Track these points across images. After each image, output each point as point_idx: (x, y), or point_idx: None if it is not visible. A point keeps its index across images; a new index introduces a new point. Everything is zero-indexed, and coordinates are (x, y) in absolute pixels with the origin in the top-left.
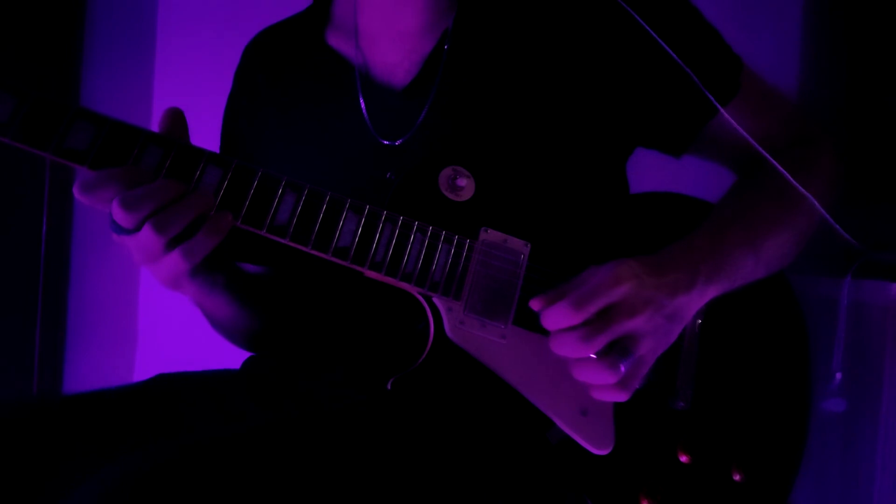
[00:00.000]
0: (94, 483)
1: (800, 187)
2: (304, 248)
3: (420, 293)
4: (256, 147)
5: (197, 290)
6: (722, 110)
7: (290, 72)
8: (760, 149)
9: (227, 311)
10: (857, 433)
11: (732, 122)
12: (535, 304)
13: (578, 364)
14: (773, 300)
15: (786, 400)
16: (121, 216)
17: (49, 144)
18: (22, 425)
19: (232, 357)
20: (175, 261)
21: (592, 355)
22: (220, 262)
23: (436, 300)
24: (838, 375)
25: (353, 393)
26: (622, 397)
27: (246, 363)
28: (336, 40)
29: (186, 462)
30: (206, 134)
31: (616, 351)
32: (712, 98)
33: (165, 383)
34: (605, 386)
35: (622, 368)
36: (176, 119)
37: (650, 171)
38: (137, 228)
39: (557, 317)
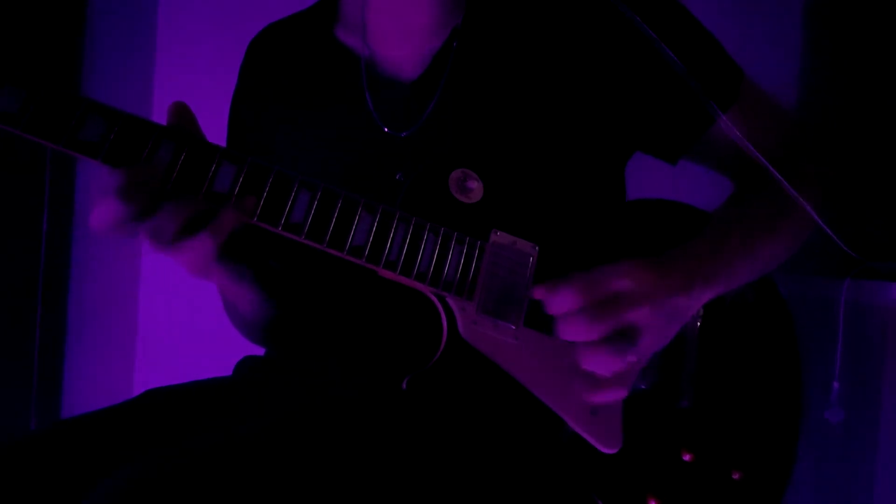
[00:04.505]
0: (94, 496)
1: (798, 197)
2: (319, 247)
3: (433, 293)
4: (262, 140)
5: (225, 279)
6: (723, 117)
7: (296, 65)
8: (762, 159)
9: (251, 303)
10: (856, 435)
11: (734, 130)
12: (538, 293)
13: (585, 351)
14: (762, 301)
15: (777, 399)
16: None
17: (61, 137)
18: (20, 461)
19: (230, 358)
20: (200, 245)
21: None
22: (249, 255)
23: (449, 300)
24: (836, 385)
25: (353, 392)
26: (621, 394)
27: (239, 367)
28: (344, 36)
29: (186, 468)
30: (207, 130)
31: (622, 339)
32: (713, 105)
33: (156, 398)
34: (605, 381)
35: (629, 356)
36: (182, 114)
37: (650, 176)
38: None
39: (563, 300)
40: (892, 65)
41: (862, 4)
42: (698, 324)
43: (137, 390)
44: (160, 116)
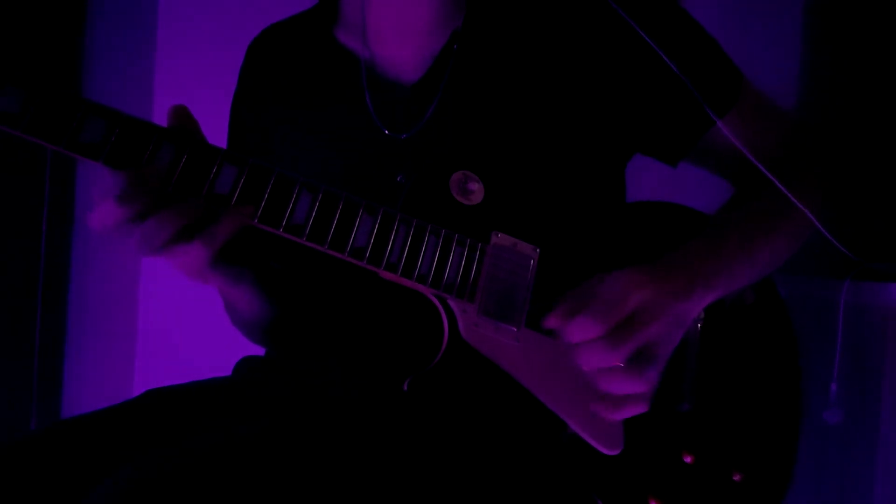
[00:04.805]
0: (94, 496)
1: (794, 199)
2: (320, 248)
3: (434, 295)
4: (263, 141)
5: (223, 281)
6: (719, 122)
7: (296, 66)
8: (757, 162)
9: (251, 304)
10: (856, 436)
11: (729, 135)
12: (551, 323)
13: (607, 376)
14: (762, 302)
15: (778, 401)
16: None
17: (62, 138)
18: (20, 461)
19: (230, 358)
20: (196, 250)
21: (619, 364)
22: (250, 257)
23: (450, 302)
24: (833, 387)
25: (354, 393)
26: (643, 408)
27: (238, 367)
28: (344, 37)
29: (186, 468)
30: (207, 131)
31: (642, 359)
32: (708, 109)
33: (156, 398)
34: (625, 398)
35: (653, 375)
36: (183, 117)
37: (650, 178)
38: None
39: (581, 329)
40: (892, 65)
41: (862, 4)
42: (699, 326)
43: (137, 390)
44: (161, 118)
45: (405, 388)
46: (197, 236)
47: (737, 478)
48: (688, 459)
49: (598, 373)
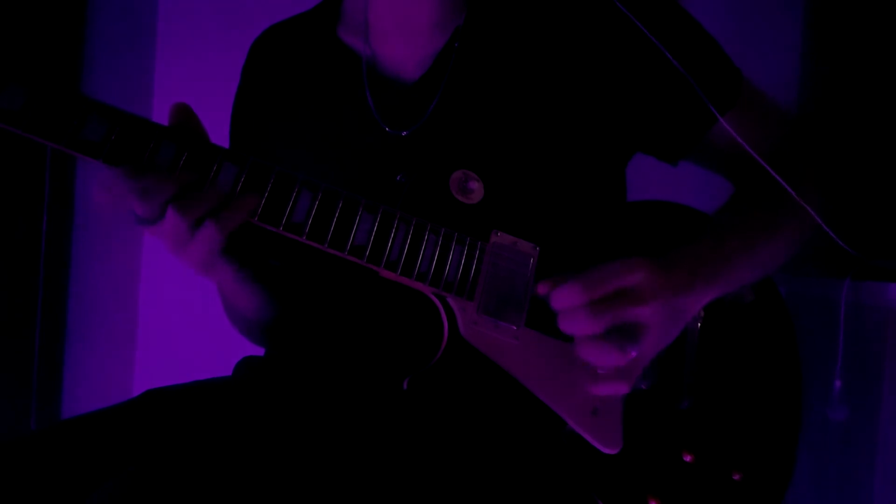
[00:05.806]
0: (95, 497)
1: (794, 194)
2: (320, 247)
3: (434, 293)
4: (265, 140)
5: (226, 277)
6: (721, 119)
7: (298, 65)
8: (759, 159)
9: (251, 303)
10: (856, 436)
11: (732, 132)
12: (542, 288)
13: (586, 343)
14: (762, 301)
15: (777, 400)
16: (141, 207)
17: (63, 137)
18: (21, 461)
19: (230, 358)
20: (204, 240)
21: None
22: (249, 255)
23: (450, 300)
24: (837, 383)
25: (353, 392)
26: (623, 388)
27: (239, 367)
28: (346, 36)
29: (186, 469)
30: (207, 130)
31: (623, 334)
32: (711, 107)
33: (156, 398)
34: (607, 375)
35: (630, 352)
36: (185, 115)
37: (651, 177)
38: (160, 216)
39: (567, 295)
40: (892, 65)
41: (862, 4)
42: (699, 325)
43: (137, 390)
44: (160, 117)
45: (405, 386)
46: (207, 224)
47: (736, 477)
48: (687, 458)
49: (578, 339)
